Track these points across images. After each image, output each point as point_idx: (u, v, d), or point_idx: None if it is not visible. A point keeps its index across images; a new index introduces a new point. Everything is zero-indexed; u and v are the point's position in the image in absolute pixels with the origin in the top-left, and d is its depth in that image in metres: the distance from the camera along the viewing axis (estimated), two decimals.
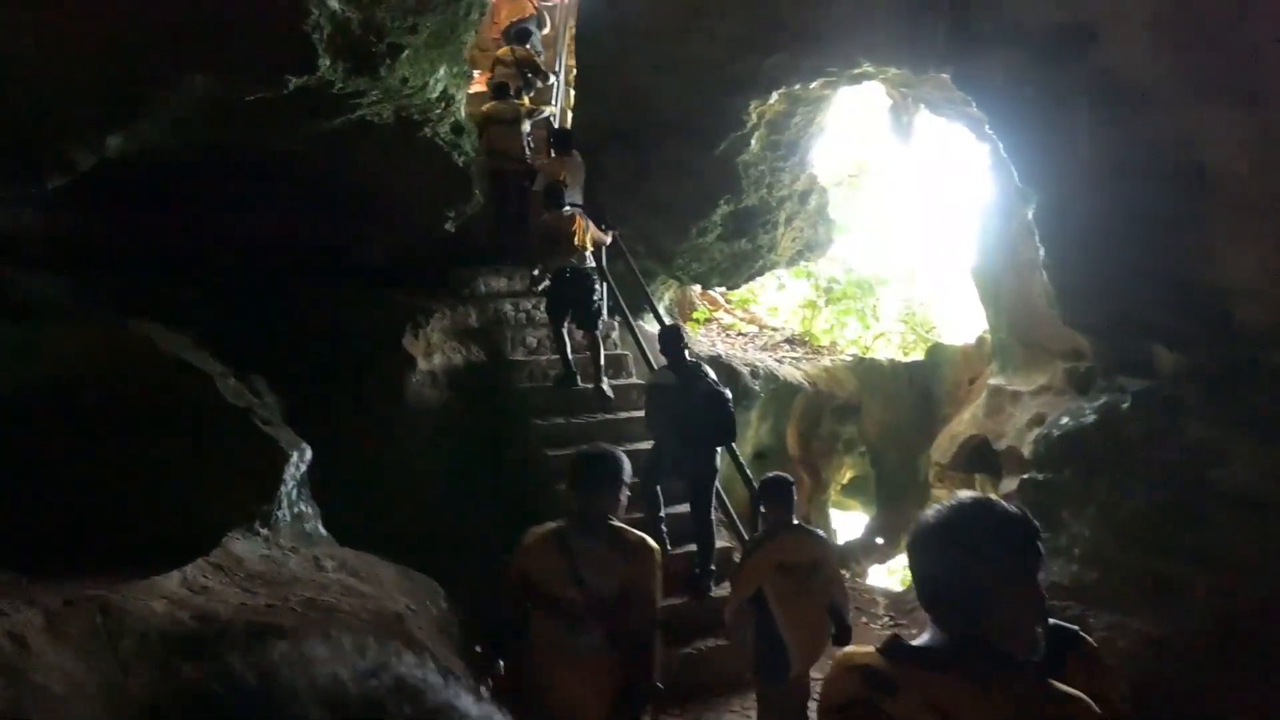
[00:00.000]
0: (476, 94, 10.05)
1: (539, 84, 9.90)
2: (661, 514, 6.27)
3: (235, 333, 7.71)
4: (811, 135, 9.09)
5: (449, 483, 7.23)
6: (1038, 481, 7.55)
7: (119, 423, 5.40)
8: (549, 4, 11.38)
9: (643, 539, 3.15)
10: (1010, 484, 8.04)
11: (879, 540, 10.74)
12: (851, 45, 7.72)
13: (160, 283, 7.80)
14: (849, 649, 1.69)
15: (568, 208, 7.46)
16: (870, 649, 1.60)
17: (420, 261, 8.54)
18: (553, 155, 8.48)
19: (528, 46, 9.83)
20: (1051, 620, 1.97)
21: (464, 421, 7.55)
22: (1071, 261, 6.94)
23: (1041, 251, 7.15)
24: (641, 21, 8.24)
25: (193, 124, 6.25)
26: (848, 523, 12.18)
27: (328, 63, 5.19)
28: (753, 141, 8.65)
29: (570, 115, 9.45)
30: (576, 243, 7.28)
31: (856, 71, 8.11)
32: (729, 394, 5.96)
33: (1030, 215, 7.13)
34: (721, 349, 10.65)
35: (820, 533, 4.97)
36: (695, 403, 5.74)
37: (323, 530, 5.65)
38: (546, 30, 10.93)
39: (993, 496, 1.72)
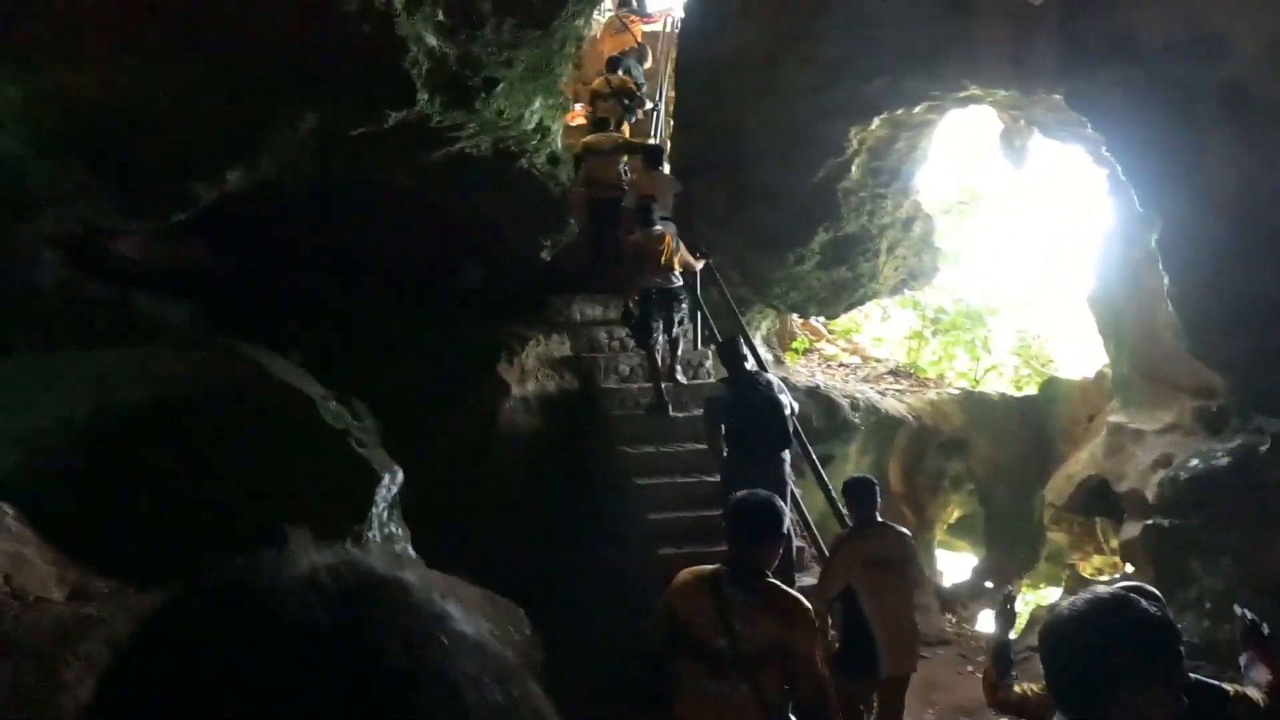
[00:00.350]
0: (577, 127, 10.27)
1: (639, 112, 9.98)
2: None
3: (338, 357, 8.03)
4: (915, 161, 8.81)
5: (539, 509, 7.26)
6: (1163, 529, 6.99)
7: (226, 442, 5.65)
8: (651, 31, 11.49)
9: (798, 599, 3.03)
10: (1133, 529, 7.47)
11: (988, 584, 10.15)
12: (955, 68, 7.46)
13: (271, 310, 8.23)
14: None
15: (658, 226, 7.44)
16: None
17: (518, 289, 8.68)
18: (643, 171, 8.48)
19: (621, 73, 9.91)
20: (1198, 677, 1.95)
21: (555, 448, 7.58)
22: (1200, 291, 6.44)
23: (1166, 280, 6.66)
24: (736, 48, 8.21)
25: (303, 159, 6.58)
26: (955, 564, 11.60)
27: (426, 97, 5.36)
28: (853, 168, 8.45)
29: (669, 145, 9.47)
30: (663, 261, 7.25)
31: (962, 95, 7.83)
32: (787, 400, 5.85)
33: (1154, 241, 6.67)
34: (821, 379, 10.38)
35: (905, 531, 4.95)
36: (750, 413, 5.65)
37: (412, 552, 5.74)
38: (649, 64, 11.02)
39: (1133, 596, 1.66)
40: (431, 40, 5.07)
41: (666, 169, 8.70)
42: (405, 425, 7.36)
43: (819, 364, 11.66)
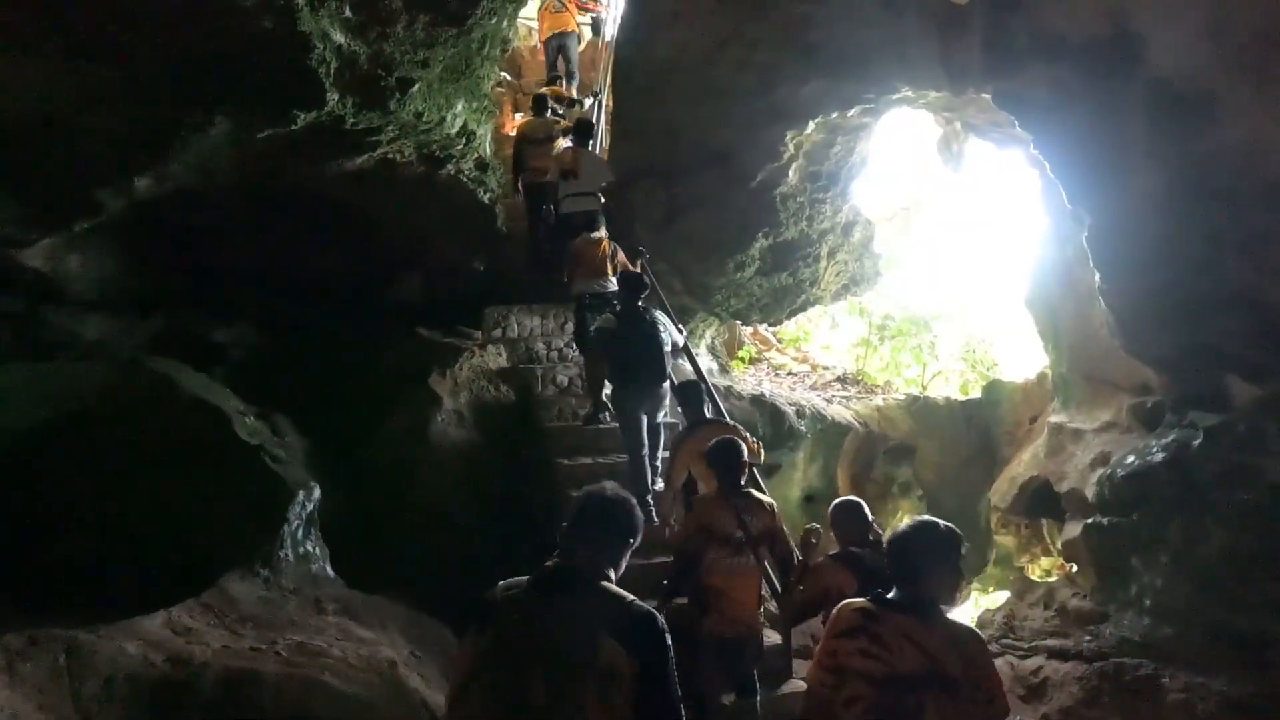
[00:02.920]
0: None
1: (577, 109, 9.99)
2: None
3: (266, 372, 7.76)
4: (853, 165, 8.79)
5: (473, 525, 7.03)
6: (1103, 526, 6.97)
7: (134, 461, 5.38)
8: (592, 20, 11.42)
9: (772, 502, 4.58)
10: (1074, 529, 7.44)
11: None
12: (887, 69, 7.45)
13: (198, 323, 7.94)
14: (849, 601, 2.77)
15: (598, 232, 7.32)
16: (864, 599, 2.71)
17: (457, 301, 8.50)
18: (573, 148, 8.31)
19: (558, 55, 10.12)
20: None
21: (490, 462, 7.35)
22: (1132, 288, 6.45)
23: (1098, 277, 6.67)
24: (672, 52, 8.12)
25: (219, 166, 6.34)
26: None
27: (336, 98, 5.17)
28: (790, 173, 8.39)
29: (607, 154, 9.36)
30: (599, 265, 7.13)
31: (895, 97, 7.82)
32: (668, 337, 6.31)
33: (1084, 239, 6.67)
34: (767, 388, 10.29)
35: (736, 426, 5.79)
36: (634, 344, 6.17)
37: (330, 571, 5.49)
38: (582, 47, 11.08)
39: (935, 520, 2.87)
40: (339, 37, 4.89)
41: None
42: (334, 441, 7.12)
43: (767, 373, 11.58)
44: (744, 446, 4.66)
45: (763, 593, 4.75)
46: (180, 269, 7.74)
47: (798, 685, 5.20)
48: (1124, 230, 6.29)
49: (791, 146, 8.22)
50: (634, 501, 2.54)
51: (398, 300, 8.55)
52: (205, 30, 4.66)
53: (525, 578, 2.41)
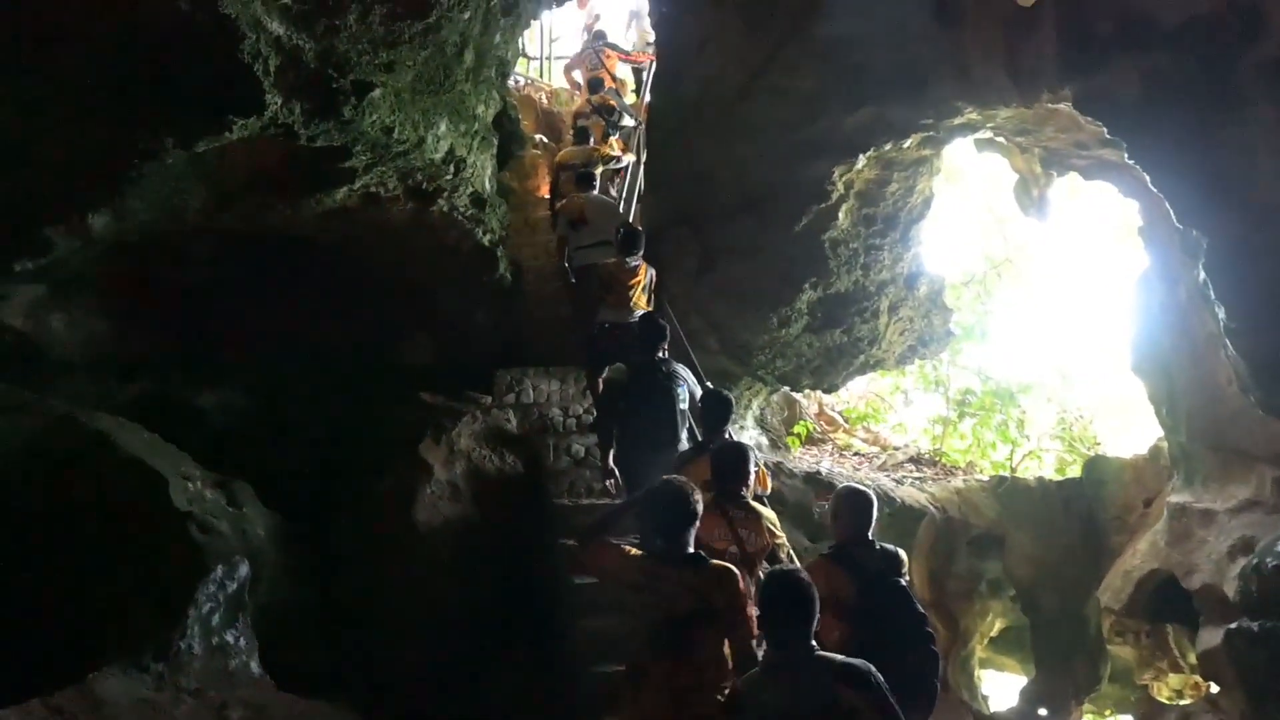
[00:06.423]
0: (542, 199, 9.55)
1: (625, 123, 9.46)
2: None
3: (250, 438, 7.01)
4: (914, 207, 7.73)
5: (461, 621, 5.97)
6: (1253, 633, 5.44)
7: (34, 525, 4.57)
8: (636, 64, 10.88)
9: (770, 515, 4.03)
10: (1212, 636, 5.91)
11: (1041, 711, 8.39)
12: (946, 88, 6.48)
13: (183, 387, 7.30)
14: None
15: (636, 260, 6.40)
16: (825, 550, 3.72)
17: (468, 362, 7.67)
18: (574, 193, 7.64)
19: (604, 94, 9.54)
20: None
21: (486, 544, 6.34)
22: (1265, 321, 5.12)
23: (1222, 313, 5.36)
24: (700, 88, 7.35)
25: (187, 205, 5.74)
26: (1002, 686, 9.81)
27: (279, 101, 4.48)
28: (840, 214, 7.39)
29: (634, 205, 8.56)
30: (629, 294, 6.21)
31: (958, 121, 6.81)
32: (684, 391, 5.25)
33: (1200, 268, 5.42)
34: (826, 466, 9.04)
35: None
36: (646, 405, 5.24)
37: (256, 669, 4.47)
38: (628, 98, 10.56)
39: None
40: (277, 28, 4.22)
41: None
42: (307, 516, 6.25)
43: (830, 453, 10.31)
44: (755, 457, 4.15)
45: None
46: (170, 330, 7.18)
47: None
48: (1252, 249, 5.04)
49: (840, 185, 7.24)
50: (803, 572, 3.02)
51: (407, 363, 7.79)
52: (125, 19, 4.06)
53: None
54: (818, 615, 2.78)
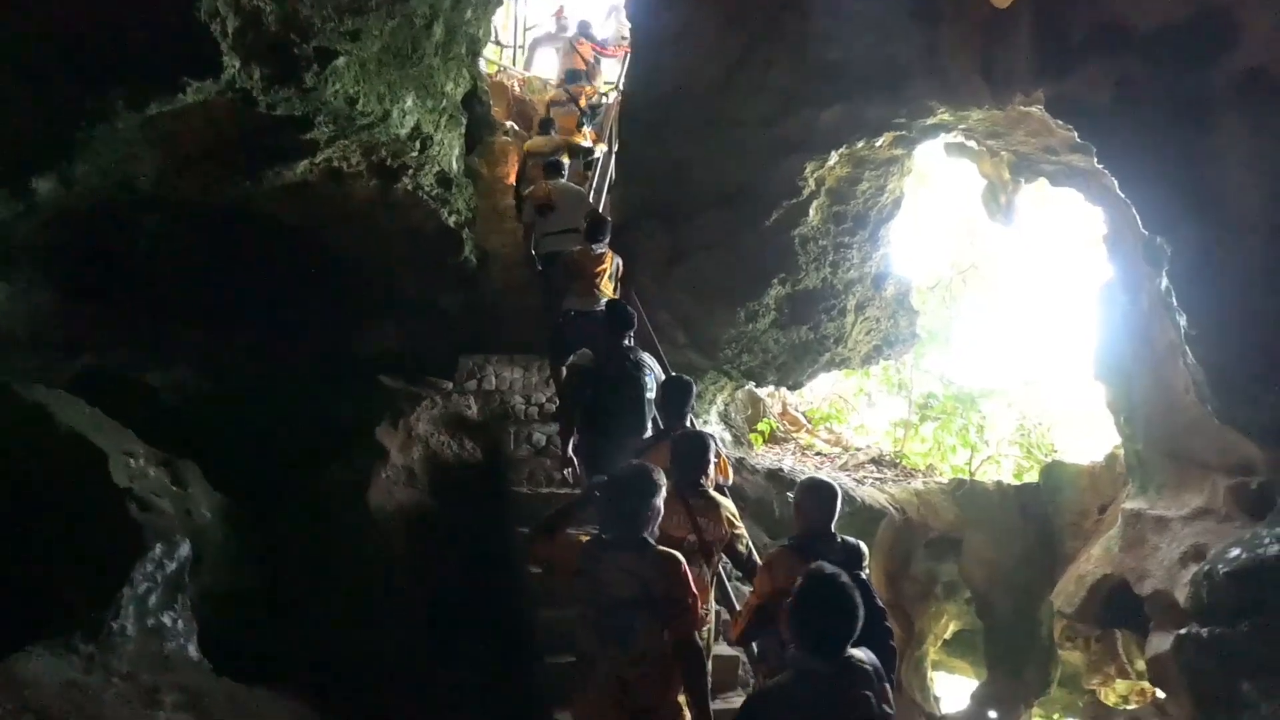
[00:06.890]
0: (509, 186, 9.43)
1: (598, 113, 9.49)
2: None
3: (201, 418, 6.80)
4: (884, 206, 7.72)
5: (413, 610, 5.82)
6: (1201, 639, 5.46)
7: None
8: (612, 58, 10.82)
9: (729, 504, 3.99)
10: (1162, 641, 5.96)
11: (991, 714, 8.45)
12: (920, 87, 6.47)
13: (132, 364, 7.06)
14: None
15: (601, 247, 6.31)
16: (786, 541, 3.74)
17: (432, 348, 7.51)
18: (541, 180, 7.55)
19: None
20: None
21: (445, 530, 6.20)
22: (1226, 330, 5.17)
23: (1183, 321, 5.41)
24: (676, 79, 7.26)
25: (138, 172, 5.53)
26: (953, 688, 9.87)
27: (237, 65, 4.32)
28: (811, 211, 7.35)
29: (605, 196, 8.46)
30: (596, 282, 6.12)
31: (930, 121, 6.80)
32: (651, 382, 5.04)
33: (1164, 274, 5.45)
34: (788, 464, 9.01)
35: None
36: (612, 392, 5.04)
37: (193, 653, 4.30)
38: (597, 81, 10.51)
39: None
40: None
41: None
42: (258, 499, 6.06)
43: (793, 452, 10.30)
44: (716, 446, 4.07)
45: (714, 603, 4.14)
46: (119, 305, 6.92)
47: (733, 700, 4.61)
48: (1215, 259, 5.07)
49: (812, 181, 7.21)
50: (846, 576, 2.71)
51: (371, 348, 7.60)
52: None
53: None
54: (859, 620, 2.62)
